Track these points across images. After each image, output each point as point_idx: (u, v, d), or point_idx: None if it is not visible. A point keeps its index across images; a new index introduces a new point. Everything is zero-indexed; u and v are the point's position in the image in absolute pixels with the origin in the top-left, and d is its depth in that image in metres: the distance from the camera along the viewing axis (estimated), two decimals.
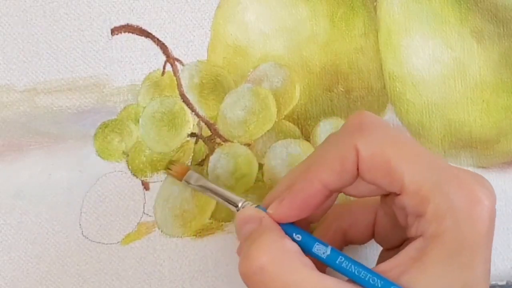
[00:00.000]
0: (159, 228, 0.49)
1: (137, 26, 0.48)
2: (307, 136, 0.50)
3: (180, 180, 0.47)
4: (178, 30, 0.49)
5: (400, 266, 0.39)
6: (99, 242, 0.48)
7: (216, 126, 0.49)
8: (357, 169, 0.40)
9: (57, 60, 0.48)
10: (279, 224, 0.41)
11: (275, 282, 0.38)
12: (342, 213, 0.45)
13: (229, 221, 0.49)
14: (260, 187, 0.49)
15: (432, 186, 0.39)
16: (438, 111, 0.50)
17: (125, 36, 0.48)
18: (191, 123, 0.49)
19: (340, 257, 0.40)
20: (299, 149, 0.50)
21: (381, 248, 0.46)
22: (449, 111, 0.51)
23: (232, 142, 0.49)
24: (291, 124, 0.50)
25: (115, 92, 0.48)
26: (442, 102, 0.50)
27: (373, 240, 0.45)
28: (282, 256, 0.38)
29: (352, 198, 0.44)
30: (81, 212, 0.48)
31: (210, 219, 0.49)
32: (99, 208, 0.48)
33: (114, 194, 0.48)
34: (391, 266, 0.39)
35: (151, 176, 0.49)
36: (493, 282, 0.51)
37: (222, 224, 0.49)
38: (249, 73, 0.49)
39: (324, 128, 0.50)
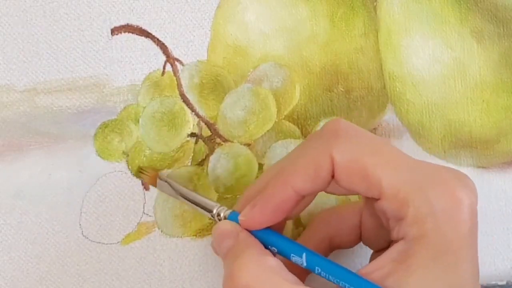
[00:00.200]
0: (159, 228, 0.49)
1: (137, 26, 0.48)
2: (307, 136, 0.50)
3: (155, 186, 0.47)
4: (178, 30, 0.49)
5: (382, 269, 0.39)
6: (99, 242, 0.48)
7: (216, 126, 0.49)
8: (332, 175, 0.40)
9: (57, 60, 0.48)
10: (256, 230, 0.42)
11: None
12: (328, 219, 0.45)
13: None
14: None
15: (411, 190, 0.39)
16: (438, 111, 0.50)
17: (125, 36, 0.48)
18: (191, 123, 0.49)
19: (317, 267, 0.40)
20: None
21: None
22: (449, 111, 0.50)
23: (232, 142, 0.49)
24: (291, 124, 0.50)
25: (115, 92, 0.48)
26: (442, 102, 0.50)
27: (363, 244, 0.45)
28: (265, 274, 0.39)
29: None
30: (81, 212, 0.48)
31: (210, 219, 0.49)
32: (99, 208, 0.48)
33: (114, 194, 0.48)
34: (372, 269, 0.39)
35: None
36: (493, 282, 0.51)
37: None
38: (249, 73, 0.49)
39: None
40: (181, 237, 0.49)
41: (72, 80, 0.48)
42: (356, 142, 0.41)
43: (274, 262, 0.40)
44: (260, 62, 0.49)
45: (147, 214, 0.48)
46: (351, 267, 0.40)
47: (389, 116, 0.51)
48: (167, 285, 0.48)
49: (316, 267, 0.40)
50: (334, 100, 0.50)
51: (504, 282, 0.51)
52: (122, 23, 0.48)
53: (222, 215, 0.43)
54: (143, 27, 0.48)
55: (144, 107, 0.48)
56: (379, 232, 0.43)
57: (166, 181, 0.46)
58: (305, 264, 0.41)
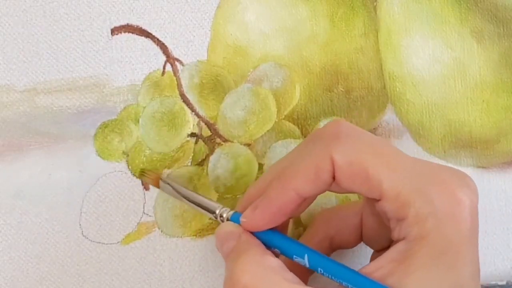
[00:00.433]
0: (159, 228, 0.49)
1: (137, 26, 0.48)
2: (307, 136, 0.50)
3: (158, 187, 0.47)
4: (178, 30, 0.49)
5: (383, 268, 0.39)
6: (99, 242, 0.48)
7: (216, 126, 0.49)
8: (332, 177, 0.40)
9: (57, 60, 0.48)
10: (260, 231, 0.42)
11: None
12: (328, 219, 0.45)
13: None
14: None
15: (412, 190, 0.39)
16: (438, 111, 0.50)
17: (125, 36, 0.48)
18: (191, 123, 0.49)
19: (319, 268, 0.40)
20: None
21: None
22: (449, 111, 0.50)
23: (232, 142, 0.49)
24: (291, 124, 0.50)
25: (115, 92, 0.48)
26: (442, 102, 0.50)
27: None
28: (264, 274, 0.39)
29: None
30: (81, 212, 0.48)
31: (210, 219, 0.49)
32: (99, 208, 0.48)
33: (114, 194, 0.48)
34: (373, 268, 0.39)
35: None
36: (493, 282, 0.51)
37: None
38: (249, 73, 0.49)
39: None
40: (181, 237, 0.49)
41: (72, 80, 0.48)
42: (357, 143, 0.41)
43: (274, 262, 0.40)
44: (260, 62, 0.49)
45: (147, 214, 0.48)
46: (351, 267, 0.40)
47: (389, 116, 0.51)
48: (167, 285, 0.48)
49: (319, 268, 0.40)
50: (334, 100, 0.50)
51: (504, 282, 0.51)
52: (122, 23, 0.48)
53: (224, 216, 0.43)
54: (143, 27, 0.48)
55: (144, 107, 0.48)
56: (380, 231, 0.43)
57: (168, 184, 0.46)
58: (307, 264, 0.41)
